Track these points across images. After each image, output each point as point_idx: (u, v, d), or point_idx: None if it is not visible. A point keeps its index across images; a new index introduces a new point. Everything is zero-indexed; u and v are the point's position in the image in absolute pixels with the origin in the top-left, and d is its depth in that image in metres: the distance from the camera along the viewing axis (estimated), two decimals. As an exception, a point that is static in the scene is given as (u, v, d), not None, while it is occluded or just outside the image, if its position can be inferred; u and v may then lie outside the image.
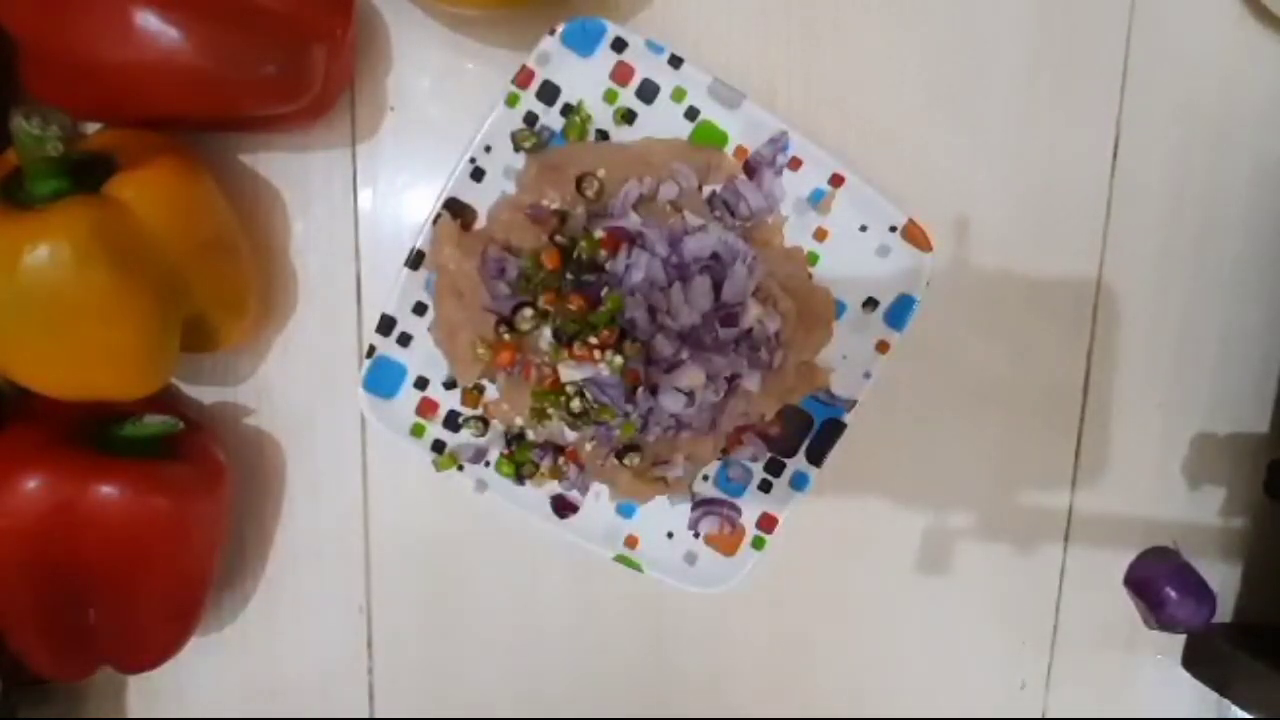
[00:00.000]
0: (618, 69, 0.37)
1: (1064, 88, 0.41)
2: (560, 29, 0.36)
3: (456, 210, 0.37)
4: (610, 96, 0.37)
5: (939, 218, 0.40)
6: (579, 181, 0.37)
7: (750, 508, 0.40)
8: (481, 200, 0.37)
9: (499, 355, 0.36)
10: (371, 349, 0.37)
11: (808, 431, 0.40)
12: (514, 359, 0.37)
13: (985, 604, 0.45)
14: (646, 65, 0.37)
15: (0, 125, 0.29)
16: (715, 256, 0.37)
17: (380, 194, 0.39)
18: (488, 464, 0.38)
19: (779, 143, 0.37)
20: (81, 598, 0.34)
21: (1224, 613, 0.45)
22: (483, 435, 0.38)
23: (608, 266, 0.36)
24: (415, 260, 0.37)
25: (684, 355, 0.36)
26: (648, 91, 0.37)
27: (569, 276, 0.36)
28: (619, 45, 0.36)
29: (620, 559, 0.39)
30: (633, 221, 0.37)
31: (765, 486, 0.40)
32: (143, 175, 0.31)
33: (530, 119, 0.37)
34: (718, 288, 0.37)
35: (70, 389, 0.32)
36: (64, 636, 0.34)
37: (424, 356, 0.38)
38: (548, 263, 0.35)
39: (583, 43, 0.36)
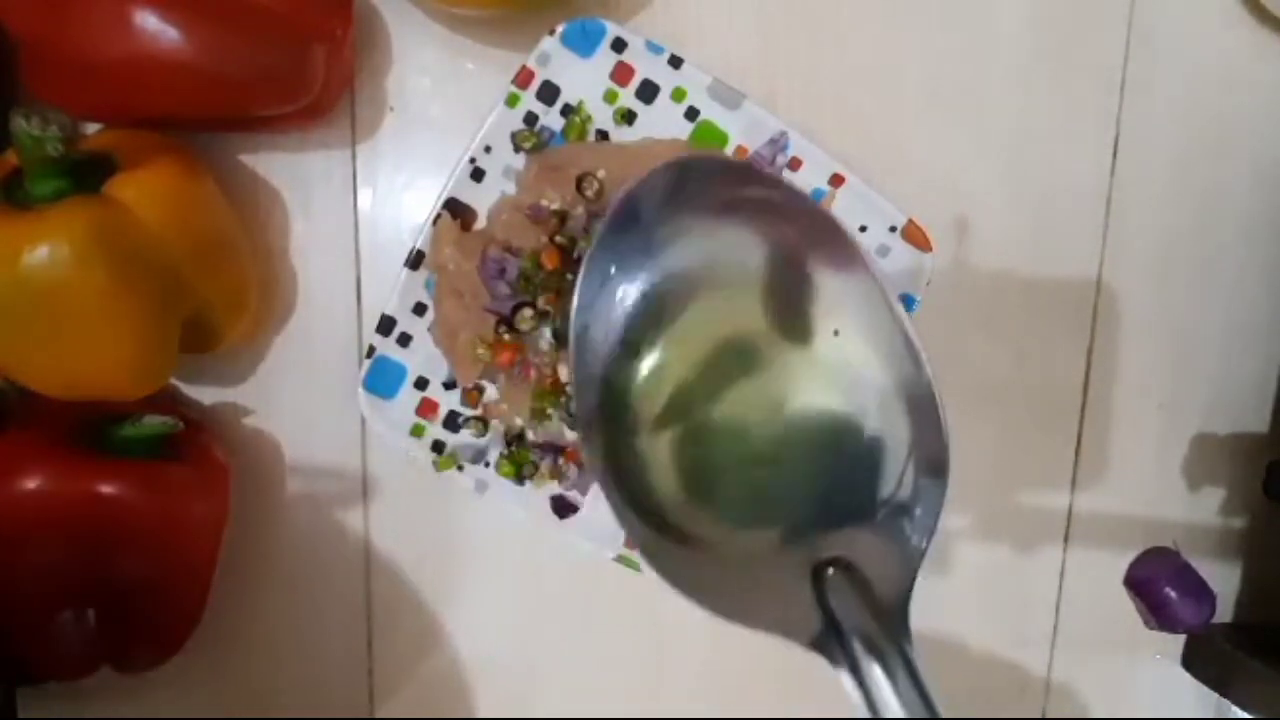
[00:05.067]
0: (618, 69, 0.37)
1: (1064, 88, 0.41)
2: (560, 29, 0.36)
3: (456, 210, 0.37)
4: (610, 97, 0.37)
5: (939, 218, 0.40)
6: (579, 181, 0.37)
7: (750, 508, 0.40)
8: (481, 200, 0.37)
9: (499, 355, 0.36)
10: (371, 349, 0.37)
11: (808, 431, 0.40)
12: (514, 359, 0.37)
13: (985, 604, 0.45)
14: (646, 66, 0.37)
15: (0, 125, 0.29)
16: (715, 256, 0.37)
17: (380, 194, 0.39)
18: (488, 464, 0.38)
19: (779, 143, 0.37)
20: (81, 598, 0.34)
21: (1224, 613, 0.45)
22: (483, 435, 0.38)
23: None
24: (415, 260, 0.37)
25: (684, 355, 0.36)
26: (648, 92, 0.37)
27: (569, 276, 0.36)
28: (619, 46, 0.36)
29: (620, 559, 0.39)
30: (633, 221, 0.37)
31: (765, 486, 0.40)
32: (143, 175, 0.31)
33: (530, 119, 0.37)
34: (718, 288, 0.37)
35: (70, 389, 0.32)
36: (64, 636, 0.34)
37: (424, 357, 0.38)
38: (548, 263, 0.35)
39: (583, 43, 0.36)
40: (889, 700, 0.21)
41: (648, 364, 0.24)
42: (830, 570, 0.24)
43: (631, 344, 0.24)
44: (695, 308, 0.24)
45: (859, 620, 0.22)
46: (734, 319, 0.25)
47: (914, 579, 0.23)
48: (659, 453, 0.24)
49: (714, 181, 0.25)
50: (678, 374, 0.24)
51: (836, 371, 0.25)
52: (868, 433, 0.25)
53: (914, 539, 0.24)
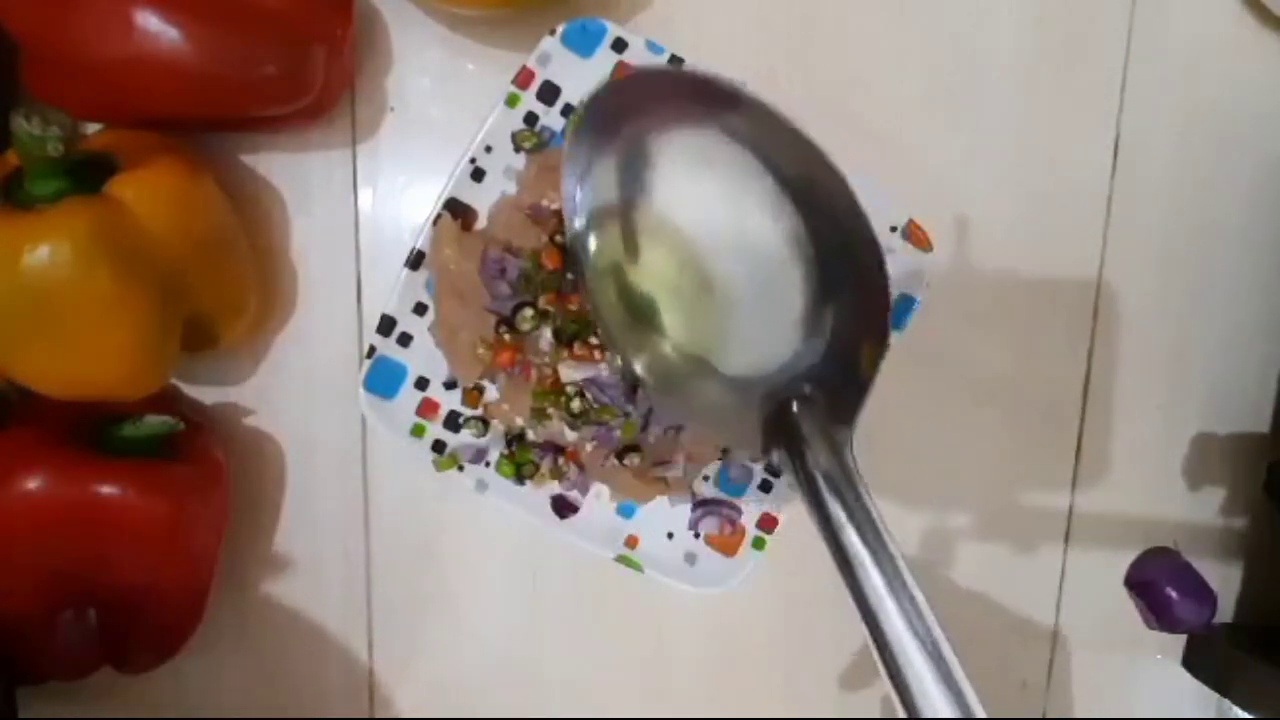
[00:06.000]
0: (618, 69, 0.37)
1: (1064, 88, 0.41)
2: (560, 29, 0.36)
3: (457, 210, 0.37)
4: (610, 96, 0.37)
5: (939, 218, 0.40)
6: (579, 181, 0.37)
7: (751, 508, 0.40)
8: (482, 200, 0.37)
9: (499, 355, 0.36)
10: (372, 349, 0.37)
11: (808, 431, 0.40)
12: (514, 359, 0.37)
13: (985, 604, 0.45)
14: (647, 65, 0.37)
15: (0, 125, 0.29)
16: (715, 256, 0.37)
17: (380, 194, 0.39)
18: (488, 464, 0.38)
19: (779, 143, 0.37)
20: (81, 598, 0.34)
21: (1224, 613, 0.45)
22: (483, 435, 0.38)
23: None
24: (415, 260, 0.37)
25: (684, 355, 0.36)
26: (648, 91, 0.37)
27: (569, 276, 0.36)
28: (619, 46, 0.36)
29: (620, 559, 0.39)
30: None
31: (766, 487, 0.40)
32: (143, 175, 0.31)
33: (531, 119, 0.37)
34: (718, 287, 0.37)
35: (70, 389, 0.32)
36: (64, 636, 0.34)
37: (424, 357, 0.38)
38: (548, 263, 0.35)
39: (583, 43, 0.36)
40: (853, 540, 0.24)
41: (596, 233, 0.30)
42: (795, 405, 0.27)
43: (591, 219, 0.30)
44: (627, 189, 0.30)
45: (820, 457, 0.26)
46: (654, 192, 0.30)
47: (861, 403, 0.28)
48: (608, 291, 0.30)
49: (639, 92, 0.30)
50: (615, 236, 0.30)
51: (732, 212, 0.30)
52: (775, 253, 0.29)
53: (865, 354, 0.28)
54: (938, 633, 0.23)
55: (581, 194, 0.29)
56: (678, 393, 0.30)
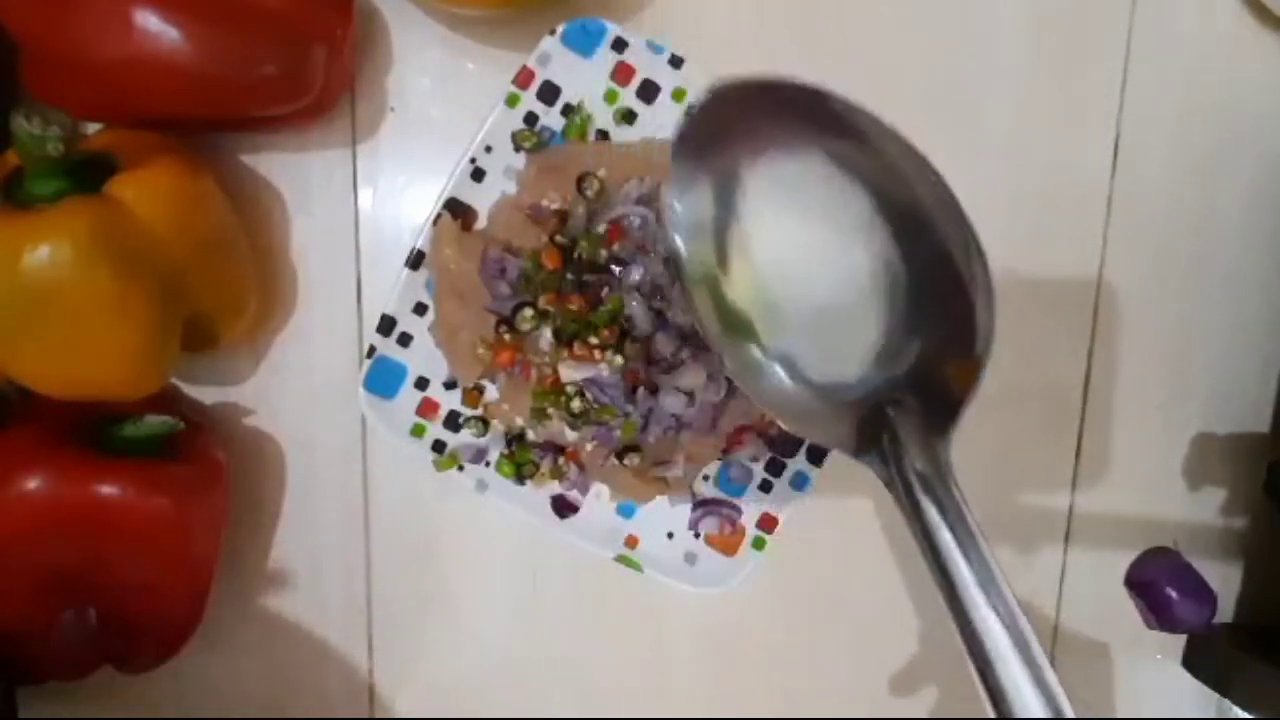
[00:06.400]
0: (618, 69, 0.37)
1: (1064, 88, 0.41)
2: (561, 29, 0.36)
3: (457, 210, 0.37)
4: (611, 97, 0.37)
5: (939, 218, 0.40)
6: (579, 181, 0.37)
7: (751, 508, 0.40)
8: (482, 200, 0.37)
9: (499, 355, 0.36)
10: (372, 349, 0.37)
11: (808, 431, 0.40)
12: (514, 359, 0.37)
13: (985, 604, 0.45)
14: (647, 65, 0.37)
15: (0, 125, 0.29)
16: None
17: (380, 194, 0.39)
18: (488, 464, 0.38)
19: (779, 143, 0.37)
20: (82, 598, 0.34)
21: (1224, 613, 0.45)
22: (483, 435, 0.38)
23: (611, 255, 0.36)
24: (415, 260, 0.37)
25: (684, 355, 0.36)
26: (648, 92, 0.37)
27: (569, 276, 0.36)
28: (619, 45, 0.36)
29: (620, 559, 0.39)
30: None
31: (766, 486, 0.40)
32: (143, 175, 0.31)
33: (530, 119, 0.37)
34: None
35: (70, 389, 0.32)
36: (64, 636, 0.34)
37: (424, 357, 0.38)
38: (548, 263, 0.35)
39: (583, 43, 0.36)
40: (947, 542, 0.25)
41: (692, 247, 0.29)
42: (890, 410, 0.28)
43: (688, 235, 0.29)
44: (723, 210, 0.29)
45: (917, 461, 0.26)
46: (749, 218, 0.30)
47: (957, 418, 0.28)
48: (705, 301, 0.29)
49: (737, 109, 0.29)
50: (709, 252, 0.29)
51: (839, 230, 0.29)
52: (861, 282, 0.29)
53: (956, 376, 0.29)
54: (1029, 634, 0.23)
55: (682, 208, 0.29)
56: (772, 396, 0.30)
